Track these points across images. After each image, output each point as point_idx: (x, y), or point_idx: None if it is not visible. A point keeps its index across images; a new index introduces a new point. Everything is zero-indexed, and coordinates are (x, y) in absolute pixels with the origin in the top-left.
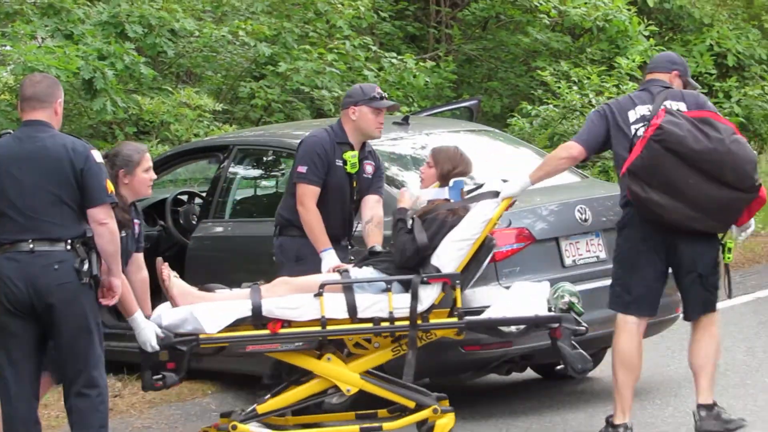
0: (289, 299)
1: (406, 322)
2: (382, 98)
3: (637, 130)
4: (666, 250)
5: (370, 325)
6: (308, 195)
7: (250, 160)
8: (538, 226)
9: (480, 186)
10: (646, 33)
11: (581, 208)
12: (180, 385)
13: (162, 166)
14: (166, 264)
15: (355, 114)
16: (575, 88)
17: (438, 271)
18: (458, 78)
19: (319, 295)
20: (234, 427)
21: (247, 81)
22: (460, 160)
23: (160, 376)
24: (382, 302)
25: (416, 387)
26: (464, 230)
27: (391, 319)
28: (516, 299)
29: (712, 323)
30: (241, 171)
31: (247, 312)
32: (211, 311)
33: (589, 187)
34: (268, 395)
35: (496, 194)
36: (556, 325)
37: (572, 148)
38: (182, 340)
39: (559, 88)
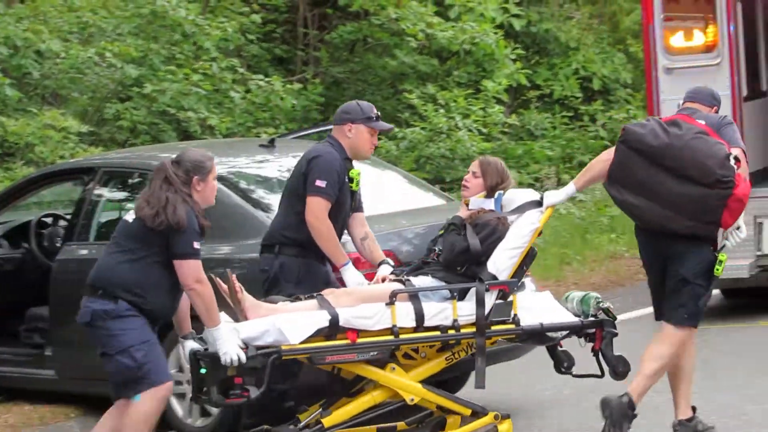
0: (363, 309)
1: (471, 329)
2: (378, 119)
3: None
4: (661, 256)
5: (437, 333)
6: (324, 209)
7: (115, 183)
8: (404, 249)
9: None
10: (513, 56)
11: None
12: (46, 408)
13: (26, 188)
14: (234, 276)
15: (351, 132)
16: (442, 110)
17: (494, 278)
18: (326, 100)
19: (390, 303)
20: None
21: (113, 102)
22: (506, 175)
23: (237, 391)
24: (447, 310)
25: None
26: (515, 239)
27: (456, 326)
28: (543, 307)
29: (672, 336)
30: (106, 193)
31: (324, 322)
32: (293, 322)
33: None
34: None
35: (539, 203)
36: (593, 330)
37: (608, 153)
38: (265, 352)
39: (425, 110)
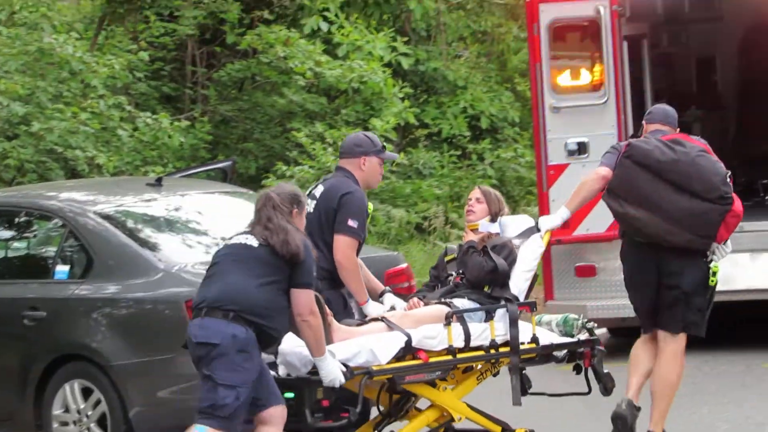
0: (427, 329)
1: (505, 348)
2: (384, 149)
3: None
4: (656, 269)
5: (482, 353)
6: (354, 249)
7: (1, 221)
8: None
9: None
10: (401, 95)
11: None
12: None
13: None
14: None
15: (365, 164)
16: (330, 149)
17: (517, 299)
18: (214, 139)
19: (447, 324)
20: None
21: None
22: (504, 202)
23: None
24: (487, 331)
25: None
26: (527, 262)
27: (495, 346)
28: (538, 330)
29: (677, 351)
30: None
31: (401, 343)
32: (379, 343)
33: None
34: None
35: (537, 228)
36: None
37: (600, 169)
38: (359, 373)
39: (314, 149)
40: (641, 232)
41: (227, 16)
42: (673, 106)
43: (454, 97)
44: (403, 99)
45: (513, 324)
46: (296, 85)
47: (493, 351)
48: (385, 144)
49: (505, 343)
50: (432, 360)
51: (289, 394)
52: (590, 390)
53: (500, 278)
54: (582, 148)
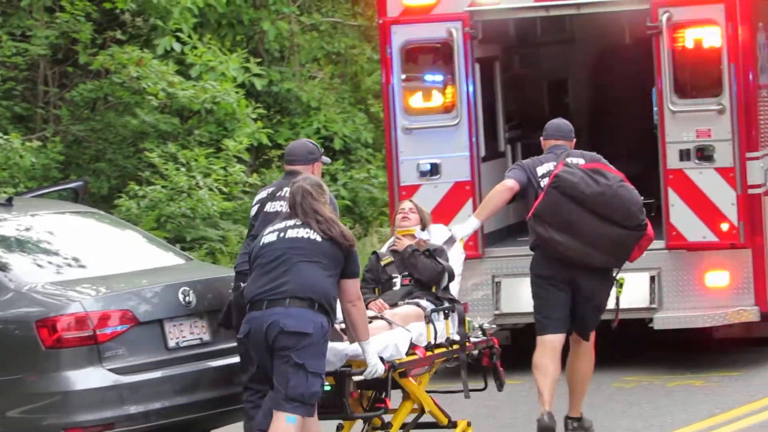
0: (417, 327)
1: (455, 346)
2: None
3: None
4: (569, 284)
5: (444, 349)
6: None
7: None
8: (142, 308)
9: None
10: (254, 116)
11: (185, 290)
12: None
13: None
14: None
15: (315, 170)
16: (183, 169)
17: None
18: (66, 159)
19: (428, 323)
20: None
21: None
22: (430, 215)
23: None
24: (443, 329)
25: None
26: (456, 267)
27: (449, 343)
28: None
29: (591, 346)
30: None
31: (409, 340)
32: (399, 338)
33: (193, 270)
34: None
35: (452, 240)
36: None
37: (507, 182)
38: (391, 366)
39: (166, 169)
40: (563, 255)
41: (80, 36)
42: (523, 128)
43: (307, 118)
44: (256, 120)
45: (461, 323)
46: (149, 106)
47: (452, 347)
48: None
49: (455, 341)
50: (434, 353)
51: (327, 387)
52: (486, 386)
53: (448, 279)
54: (434, 169)
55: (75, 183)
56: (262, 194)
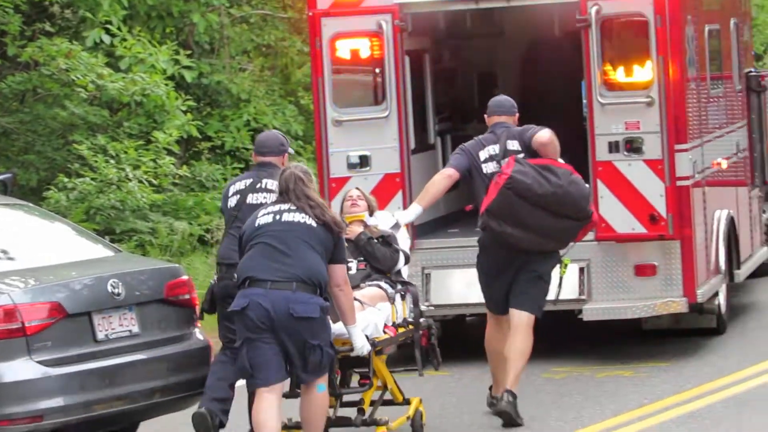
0: (383, 308)
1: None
2: None
3: (489, 170)
4: (516, 263)
5: (403, 329)
6: None
7: None
8: (70, 300)
9: None
10: (184, 108)
11: (114, 282)
12: None
13: None
14: None
15: (285, 161)
16: (112, 162)
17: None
18: None
19: (392, 304)
20: None
21: None
22: (376, 202)
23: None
24: (401, 310)
25: None
26: (406, 250)
27: (406, 323)
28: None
29: (530, 325)
30: None
31: (384, 318)
32: (376, 318)
33: (122, 262)
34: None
35: (397, 225)
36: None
37: (447, 170)
38: (372, 343)
39: (96, 162)
40: (516, 246)
41: (8, 28)
42: (453, 121)
43: (237, 111)
44: (186, 112)
45: (416, 304)
46: (78, 98)
47: (409, 328)
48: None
49: (411, 322)
50: (402, 331)
51: None
52: (419, 369)
53: (403, 264)
54: (364, 162)
55: (3, 175)
56: (239, 185)
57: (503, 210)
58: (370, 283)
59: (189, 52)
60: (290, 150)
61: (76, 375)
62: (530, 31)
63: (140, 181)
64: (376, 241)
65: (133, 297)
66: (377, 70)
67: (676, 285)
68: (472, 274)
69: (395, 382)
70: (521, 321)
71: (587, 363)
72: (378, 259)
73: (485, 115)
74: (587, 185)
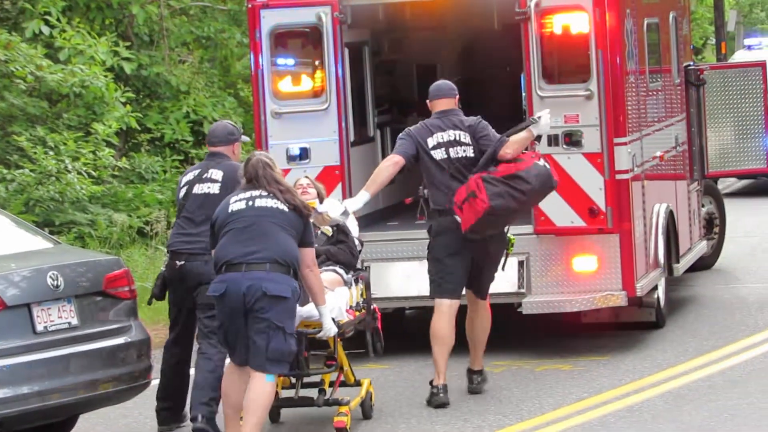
0: (342, 291)
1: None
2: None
3: (439, 156)
4: (478, 250)
5: (357, 313)
6: None
7: None
8: (9, 292)
9: None
10: (123, 99)
11: (53, 274)
12: None
13: None
14: None
15: (236, 150)
16: (52, 153)
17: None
18: None
19: (349, 288)
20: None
21: None
22: (324, 189)
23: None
24: (356, 295)
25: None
26: (358, 236)
27: (359, 308)
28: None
29: (487, 303)
30: None
31: (346, 301)
32: (340, 302)
33: (61, 254)
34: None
35: (346, 212)
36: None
37: (393, 157)
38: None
39: (35, 153)
40: (486, 241)
41: None
42: (393, 113)
43: (176, 102)
44: (125, 104)
45: (368, 288)
46: (17, 89)
47: (361, 312)
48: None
49: (363, 306)
50: (360, 315)
51: None
52: (368, 351)
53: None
54: (304, 154)
55: None
56: (189, 176)
57: (484, 226)
58: (326, 268)
59: (128, 43)
60: (245, 138)
61: (14, 367)
62: (470, 23)
63: (79, 173)
64: (334, 242)
65: (72, 289)
66: (317, 63)
67: (615, 278)
68: (412, 267)
69: (349, 364)
70: (479, 302)
71: (526, 357)
72: (340, 258)
73: (427, 101)
74: (544, 163)
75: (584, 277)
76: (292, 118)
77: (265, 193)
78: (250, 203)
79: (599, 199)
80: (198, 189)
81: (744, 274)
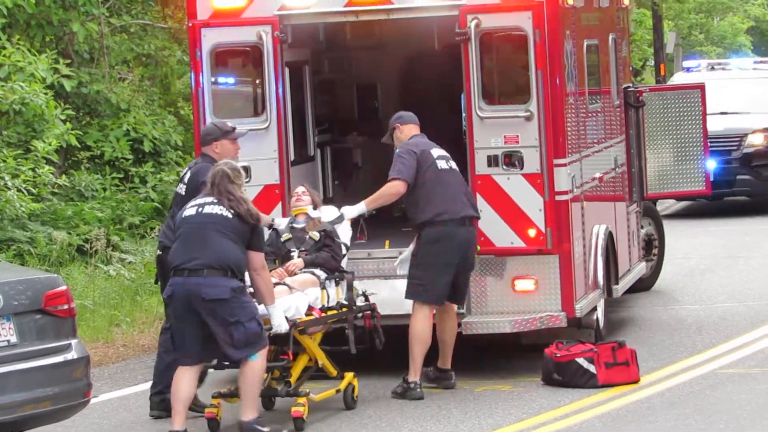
0: (313, 292)
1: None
2: (234, 129)
3: (443, 167)
4: (465, 260)
5: (335, 311)
6: None
7: None
8: None
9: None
10: (63, 117)
11: None
12: None
13: None
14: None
15: (218, 148)
16: None
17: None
18: None
19: (323, 288)
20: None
21: None
22: (320, 197)
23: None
24: (335, 294)
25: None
26: (346, 240)
27: (340, 306)
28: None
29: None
30: None
31: (307, 303)
32: (300, 301)
33: (1, 271)
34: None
35: (341, 217)
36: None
37: (399, 184)
38: (293, 324)
39: None
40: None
41: None
42: (333, 132)
43: (117, 120)
44: (65, 121)
45: (349, 289)
46: None
47: (342, 310)
48: (234, 126)
49: (344, 305)
50: (330, 314)
51: None
52: (372, 345)
53: (344, 253)
54: (244, 173)
55: None
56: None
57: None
58: (305, 270)
59: (69, 61)
60: (235, 134)
61: None
62: (410, 43)
63: (19, 190)
64: (318, 239)
65: (11, 307)
66: (257, 81)
67: (554, 299)
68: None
69: (327, 358)
70: (450, 309)
71: (465, 377)
72: (324, 265)
73: (398, 125)
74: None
75: (524, 297)
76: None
77: (215, 201)
78: (200, 209)
79: (539, 220)
80: (178, 189)
81: (682, 295)
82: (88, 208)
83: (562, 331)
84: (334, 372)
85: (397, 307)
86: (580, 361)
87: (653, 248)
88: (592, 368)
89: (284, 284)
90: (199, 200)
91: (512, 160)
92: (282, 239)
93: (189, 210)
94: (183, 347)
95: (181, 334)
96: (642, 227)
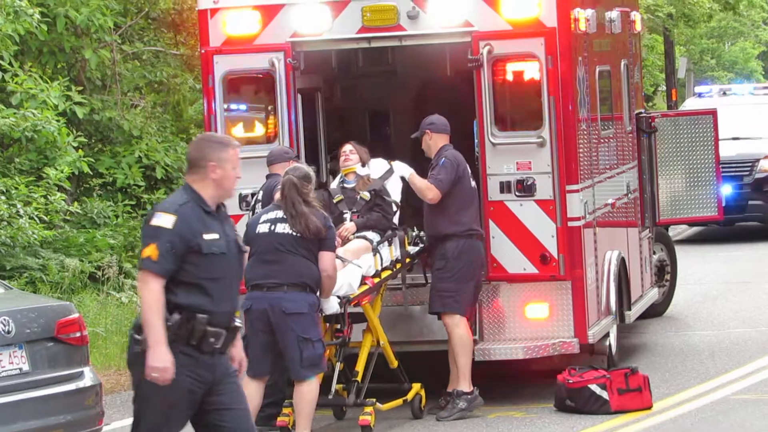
0: (365, 260)
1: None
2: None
3: (473, 185)
4: (481, 275)
5: (389, 272)
6: None
7: None
8: None
9: None
10: (75, 144)
11: (5, 319)
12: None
13: None
14: None
15: (291, 164)
16: (3, 198)
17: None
18: None
19: (375, 254)
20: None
21: None
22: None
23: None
24: (388, 255)
25: None
26: (396, 195)
27: (393, 264)
28: None
29: None
30: None
31: (360, 275)
32: (351, 277)
33: (13, 299)
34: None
35: (391, 170)
36: None
37: (434, 196)
38: (346, 300)
39: None
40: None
41: None
42: None
43: (129, 147)
44: (77, 148)
45: (402, 245)
46: None
47: (397, 268)
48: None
49: (398, 260)
50: (377, 281)
51: None
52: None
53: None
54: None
55: None
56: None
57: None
58: (358, 234)
59: (81, 87)
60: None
61: None
62: (423, 70)
63: (31, 218)
64: (369, 198)
65: (23, 335)
66: (269, 108)
67: (567, 325)
68: None
69: (390, 346)
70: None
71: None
72: (376, 226)
73: (428, 131)
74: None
75: (536, 324)
76: (244, 163)
77: (284, 217)
78: (272, 227)
79: (551, 246)
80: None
81: (695, 321)
82: (100, 235)
83: (575, 358)
84: (394, 361)
85: (406, 333)
86: (593, 387)
87: (665, 274)
88: (604, 394)
89: (338, 257)
90: (271, 215)
91: (525, 186)
92: (334, 201)
93: (262, 226)
94: (252, 360)
95: (253, 346)
96: (654, 253)
